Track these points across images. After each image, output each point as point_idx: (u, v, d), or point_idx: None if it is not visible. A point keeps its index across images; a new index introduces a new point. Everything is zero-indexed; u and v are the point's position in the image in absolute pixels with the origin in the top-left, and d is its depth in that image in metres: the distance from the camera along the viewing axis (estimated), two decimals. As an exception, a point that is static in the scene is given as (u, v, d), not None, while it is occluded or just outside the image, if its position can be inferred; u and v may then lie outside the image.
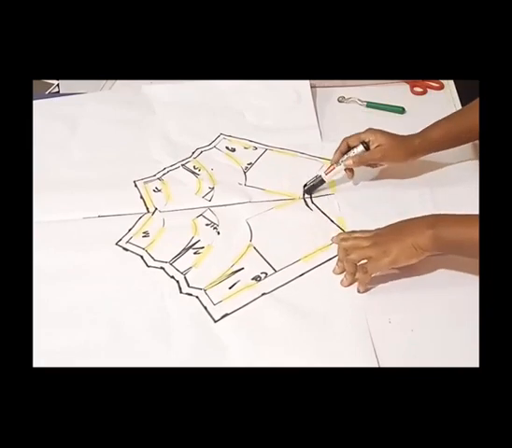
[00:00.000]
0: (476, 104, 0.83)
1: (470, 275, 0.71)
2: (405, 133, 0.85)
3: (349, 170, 0.86)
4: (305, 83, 1.05)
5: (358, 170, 0.87)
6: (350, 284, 0.71)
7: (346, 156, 0.85)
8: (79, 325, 0.70)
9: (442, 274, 0.72)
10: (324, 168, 0.86)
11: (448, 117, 0.85)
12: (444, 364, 0.61)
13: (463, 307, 0.67)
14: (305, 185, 0.86)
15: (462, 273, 0.72)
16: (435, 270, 0.73)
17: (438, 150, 0.86)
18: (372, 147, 0.83)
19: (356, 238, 0.73)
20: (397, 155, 0.84)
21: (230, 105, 1.02)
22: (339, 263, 0.73)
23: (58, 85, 1.28)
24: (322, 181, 0.86)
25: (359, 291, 0.71)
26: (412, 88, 1.06)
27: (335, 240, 0.76)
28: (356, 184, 0.88)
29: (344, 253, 0.72)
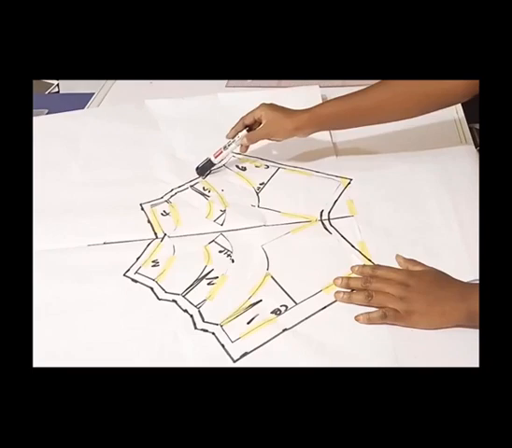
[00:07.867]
0: (372, 86, 0.82)
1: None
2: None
3: (244, 147, 0.90)
4: (317, 95, 1.01)
5: (374, 190, 0.85)
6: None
7: (233, 140, 0.88)
8: (83, 363, 0.64)
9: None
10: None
11: (342, 96, 0.84)
12: (444, 364, 0.60)
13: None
14: (198, 168, 0.89)
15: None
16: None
17: (330, 128, 0.88)
18: (263, 122, 0.85)
19: (384, 281, 0.68)
20: (283, 129, 0.84)
21: (236, 120, 0.97)
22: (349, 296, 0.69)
23: (58, 85, 1.28)
24: (212, 164, 0.89)
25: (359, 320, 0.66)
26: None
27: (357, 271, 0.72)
28: (375, 205, 0.83)
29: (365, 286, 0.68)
